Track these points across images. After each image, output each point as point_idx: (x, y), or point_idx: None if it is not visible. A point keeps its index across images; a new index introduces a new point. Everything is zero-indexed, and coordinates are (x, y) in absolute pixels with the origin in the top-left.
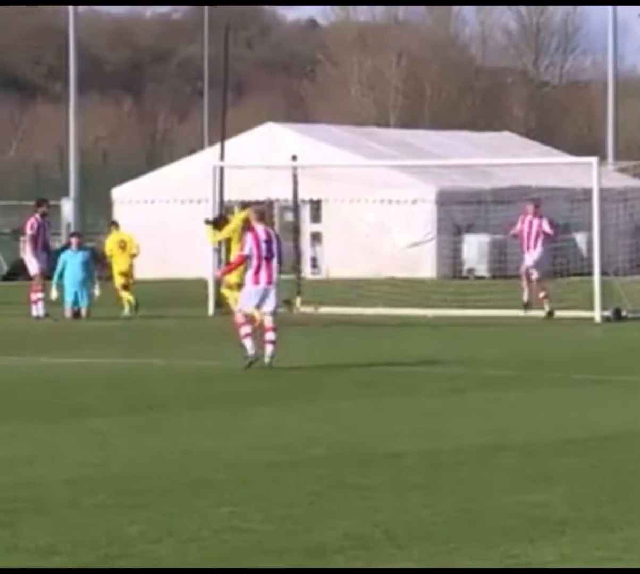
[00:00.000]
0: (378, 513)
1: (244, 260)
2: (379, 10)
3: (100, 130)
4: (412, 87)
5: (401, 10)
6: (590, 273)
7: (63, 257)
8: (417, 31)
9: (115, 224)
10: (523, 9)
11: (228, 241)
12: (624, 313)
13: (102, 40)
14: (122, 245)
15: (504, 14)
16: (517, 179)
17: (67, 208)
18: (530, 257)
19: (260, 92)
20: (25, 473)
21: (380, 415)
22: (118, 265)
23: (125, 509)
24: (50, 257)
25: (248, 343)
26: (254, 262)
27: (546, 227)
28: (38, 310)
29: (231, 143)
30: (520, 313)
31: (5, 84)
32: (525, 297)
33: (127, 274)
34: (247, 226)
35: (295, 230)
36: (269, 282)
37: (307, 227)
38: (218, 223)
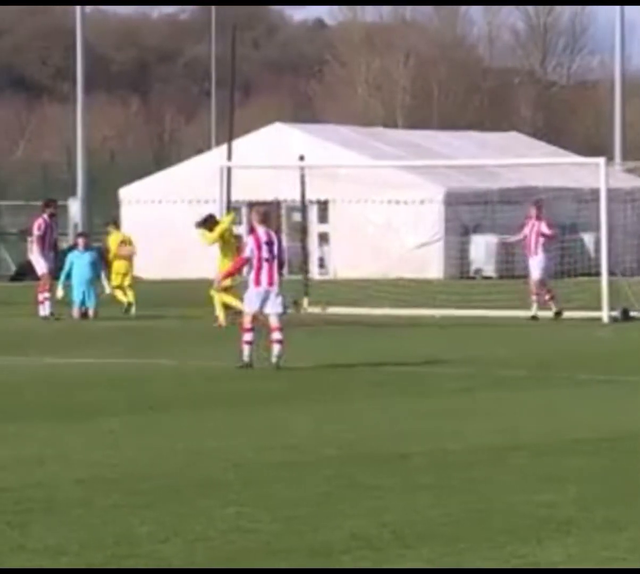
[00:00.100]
0: (386, 513)
1: (246, 262)
2: (386, 10)
3: (107, 130)
4: (420, 87)
5: (408, 11)
6: (597, 274)
7: (70, 257)
8: (425, 31)
9: (115, 224)
10: (531, 9)
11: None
12: (631, 313)
13: (109, 41)
14: (123, 244)
15: (512, 14)
16: (525, 179)
17: (74, 208)
18: (536, 268)
19: (267, 92)
20: (34, 473)
21: (389, 415)
22: (118, 266)
23: (132, 509)
24: (57, 257)
25: (246, 350)
26: (255, 264)
27: (544, 229)
28: (45, 310)
29: (238, 144)
30: (528, 313)
31: (13, 84)
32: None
33: (126, 274)
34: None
35: (302, 230)
36: (271, 284)
37: (315, 228)
38: (207, 222)
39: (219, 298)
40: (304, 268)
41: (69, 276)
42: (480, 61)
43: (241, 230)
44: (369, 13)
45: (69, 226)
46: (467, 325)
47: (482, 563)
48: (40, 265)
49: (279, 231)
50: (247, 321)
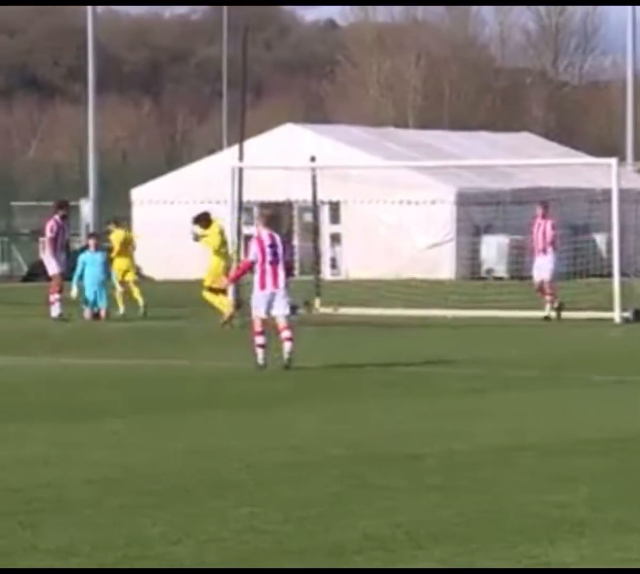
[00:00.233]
0: (398, 514)
1: (250, 265)
2: (397, 10)
3: (119, 130)
4: (431, 88)
5: (420, 11)
6: (609, 274)
7: (82, 257)
8: (436, 31)
9: (116, 222)
10: (542, 9)
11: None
12: None
13: (121, 41)
14: (127, 242)
15: (523, 14)
16: (536, 180)
17: (86, 208)
18: (545, 268)
19: (279, 92)
20: (45, 474)
21: (399, 415)
22: (119, 263)
23: (144, 510)
24: (69, 258)
25: (260, 353)
26: (259, 267)
27: (549, 231)
28: (56, 310)
29: (250, 144)
30: (540, 313)
31: (25, 84)
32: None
33: (128, 270)
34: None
35: (314, 231)
36: (276, 286)
37: (326, 228)
38: (200, 220)
39: (213, 299)
40: (315, 268)
41: (81, 276)
42: (492, 61)
43: (253, 230)
44: (381, 13)
45: (81, 226)
46: (479, 326)
47: (494, 564)
48: (52, 266)
49: (291, 232)
50: (257, 325)
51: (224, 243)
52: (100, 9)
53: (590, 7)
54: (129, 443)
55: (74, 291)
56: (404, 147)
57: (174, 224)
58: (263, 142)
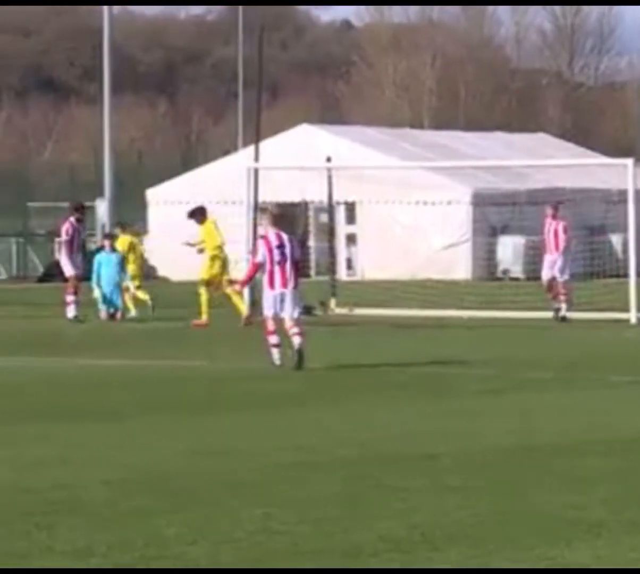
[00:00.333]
0: (415, 515)
1: (259, 267)
2: (413, 11)
3: (134, 131)
4: (447, 88)
5: (436, 11)
6: (626, 275)
7: (98, 258)
8: (452, 32)
9: (122, 226)
10: (558, 9)
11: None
12: None
13: (136, 41)
14: (132, 247)
15: (539, 15)
16: (552, 181)
17: (102, 209)
18: (557, 269)
19: (294, 93)
20: (61, 475)
21: (415, 415)
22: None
23: (159, 511)
24: (85, 259)
25: (275, 353)
26: (268, 268)
27: (560, 232)
28: (72, 311)
29: (266, 145)
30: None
31: (40, 85)
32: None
33: (135, 276)
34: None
35: (330, 231)
36: (284, 285)
37: (342, 229)
38: (195, 214)
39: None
40: (331, 269)
41: (99, 276)
42: (508, 62)
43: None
44: (396, 14)
45: (97, 227)
46: (495, 327)
47: (510, 565)
48: (68, 268)
49: (307, 232)
50: (269, 325)
51: (219, 236)
52: (116, 9)
53: (606, 8)
54: (144, 443)
55: (96, 292)
56: (419, 148)
57: (190, 225)
58: (279, 142)
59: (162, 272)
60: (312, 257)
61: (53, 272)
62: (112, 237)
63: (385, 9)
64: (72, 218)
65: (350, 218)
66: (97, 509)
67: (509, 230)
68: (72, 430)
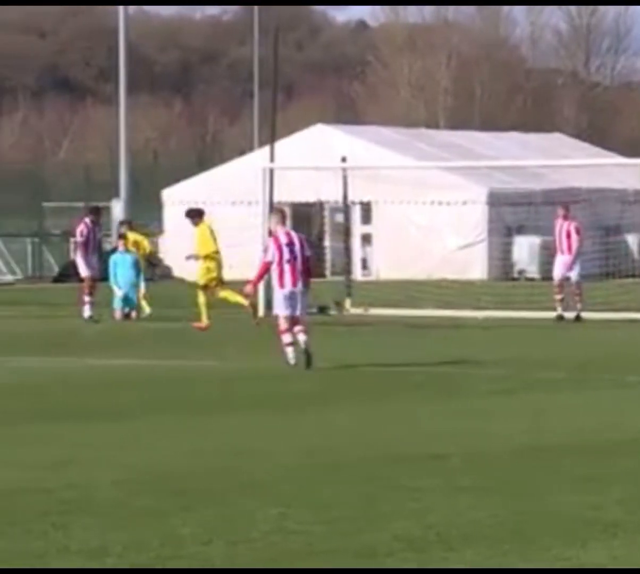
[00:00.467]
0: (429, 515)
1: (269, 265)
2: (428, 11)
3: (150, 131)
4: (462, 88)
5: (451, 11)
6: None
7: (113, 258)
8: (467, 32)
9: (128, 224)
10: (573, 9)
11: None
12: None
13: (152, 42)
14: (135, 245)
15: (554, 15)
16: (568, 181)
17: (117, 209)
18: (570, 269)
19: (310, 93)
20: (75, 474)
21: (429, 415)
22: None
23: (174, 511)
24: (101, 260)
25: (289, 352)
26: (277, 266)
27: (573, 233)
28: (87, 312)
29: (281, 145)
30: (571, 314)
31: (56, 85)
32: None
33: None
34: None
35: (345, 231)
36: (294, 284)
37: (358, 229)
38: (192, 215)
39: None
40: (346, 269)
41: (115, 277)
42: (523, 62)
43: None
44: (411, 14)
45: (112, 227)
46: (510, 327)
47: (526, 565)
48: (82, 269)
49: (322, 232)
50: (282, 324)
51: (213, 241)
52: (131, 9)
53: (622, 8)
54: (157, 443)
55: (119, 292)
56: (435, 148)
57: None
58: (294, 142)
59: (177, 272)
60: (328, 257)
61: (68, 272)
62: (126, 237)
63: (401, 9)
64: (87, 220)
65: (366, 218)
66: (112, 509)
67: (525, 230)
68: (84, 430)
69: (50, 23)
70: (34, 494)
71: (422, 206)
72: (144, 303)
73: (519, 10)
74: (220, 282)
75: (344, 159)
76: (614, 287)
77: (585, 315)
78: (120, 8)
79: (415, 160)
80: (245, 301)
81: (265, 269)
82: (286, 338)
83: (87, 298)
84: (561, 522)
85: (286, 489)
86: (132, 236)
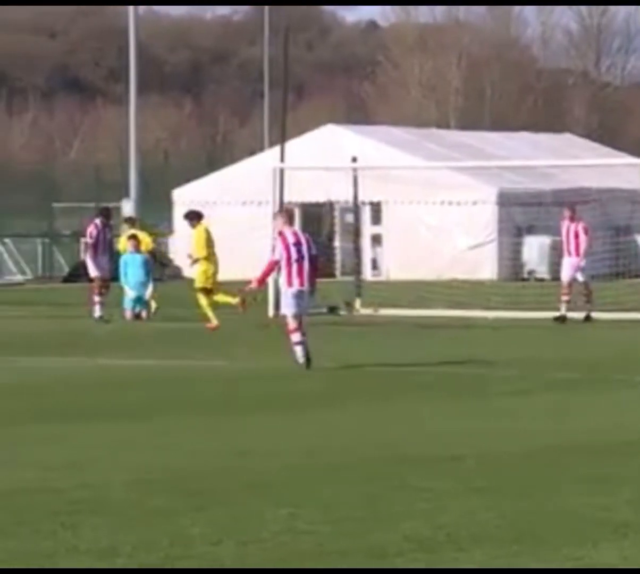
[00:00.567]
0: (439, 515)
1: (276, 264)
2: (439, 11)
3: (160, 131)
4: (473, 88)
5: (462, 11)
6: None
7: (123, 258)
8: (478, 32)
9: (131, 221)
10: (584, 9)
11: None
12: None
13: (162, 42)
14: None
15: (565, 15)
16: (578, 181)
17: (128, 209)
18: (579, 271)
19: (320, 93)
20: (84, 475)
21: (438, 416)
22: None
23: (184, 511)
24: (112, 260)
25: (299, 351)
26: (286, 266)
27: (581, 233)
28: (98, 312)
29: (291, 145)
30: (580, 315)
31: (66, 85)
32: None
33: None
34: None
35: (355, 231)
36: (302, 284)
37: (367, 229)
38: (190, 216)
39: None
40: (356, 269)
41: (125, 277)
42: (534, 62)
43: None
44: (422, 14)
45: (123, 228)
46: (520, 327)
47: (536, 565)
48: (92, 269)
49: (332, 233)
50: (290, 323)
51: (209, 244)
52: (141, 9)
53: (633, 8)
54: (168, 443)
55: (131, 293)
56: (445, 148)
57: (216, 225)
58: (304, 142)
59: (187, 272)
60: (338, 257)
61: (78, 272)
62: (137, 238)
63: (412, 9)
64: (97, 221)
65: (376, 219)
66: (121, 509)
67: (535, 230)
68: (92, 430)
69: (60, 23)
70: (44, 494)
71: (432, 206)
72: (152, 302)
73: (529, 10)
74: (215, 285)
75: (354, 159)
76: (624, 286)
77: (595, 315)
78: (131, 8)
79: (425, 160)
80: (233, 300)
81: (272, 268)
82: (295, 337)
83: (97, 299)
84: (571, 522)
85: (295, 489)
86: (129, 233)
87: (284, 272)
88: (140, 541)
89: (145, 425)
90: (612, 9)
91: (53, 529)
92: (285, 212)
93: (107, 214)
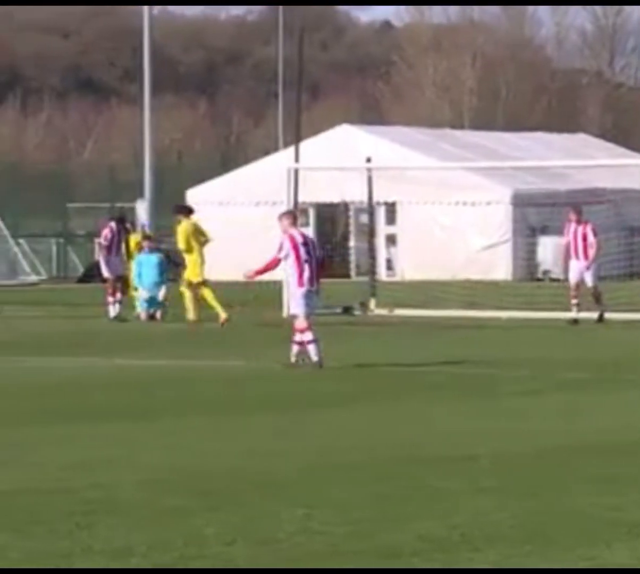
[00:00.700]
0: (454, 515)
1: (278, 262)
2: (453, 11)
3: (175, 131)
4: (487, 89)
5: (476, 11)
6: None
7: (138, 259)
8: (492, 32)
9: (148, 238)
10: (599, 9)
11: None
12: None
13: (176, 42)
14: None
15: (579, 15)
16: (593, 181)
17: (142, 210)
18: (588, 273)
19: (334, 93)
20: (99, 474)
21: (452, 416)
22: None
23: (198, 511)
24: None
25: (312, 350)
26: (296, 265)
27: (590, 236)
28: (113, 312)
29: (306, 145)
30: (593, 315)
31: (80, 86)
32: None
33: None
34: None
35: (369, 232)
36: (312, 283)
37: (382, 229)
38: (181, 209)
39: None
40: (371, 269)
41: (140, 277)
42: (548, 62)
43: (308, 231)
44: (436, 14)
45: (137, 228)
46: (534, 327)
47: (550, 565)
48: (104, 270)
49: (347, 233)
50: (302, 323)
51: (196, 234)
52: (155, 9)
53: None
54: (182, 444)
55: (143, 293)
56: (459, 148)
57: (230, 225)
58: (319, 142)
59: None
60: (352, 258)
61: (93, 273)
62: (151, 238)
63: (426, 9)
64: (112, 223)
65: (390, 219)
66: (135, 509)
67: (549, 230)
68: (106, 429)
69: (74, 23)
70: (59, 494)
71: (447, 206)
72: (166, 302)
73: (544, 11)
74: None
75: (368, 160)
76: (638, 287)
77: (608, 315)
78: (145, 8)
79: (439, 160)
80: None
81: (274, 264)
82: (308, 335)
83: (110, 299)
84: (585, 523)
85: (308, 489)
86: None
87: (294, 272)
88: (155, 541)
89: (156, 425)
90: (627, 9)
91: (68, 529)
92: (290, 213)
93: (122, 221)
